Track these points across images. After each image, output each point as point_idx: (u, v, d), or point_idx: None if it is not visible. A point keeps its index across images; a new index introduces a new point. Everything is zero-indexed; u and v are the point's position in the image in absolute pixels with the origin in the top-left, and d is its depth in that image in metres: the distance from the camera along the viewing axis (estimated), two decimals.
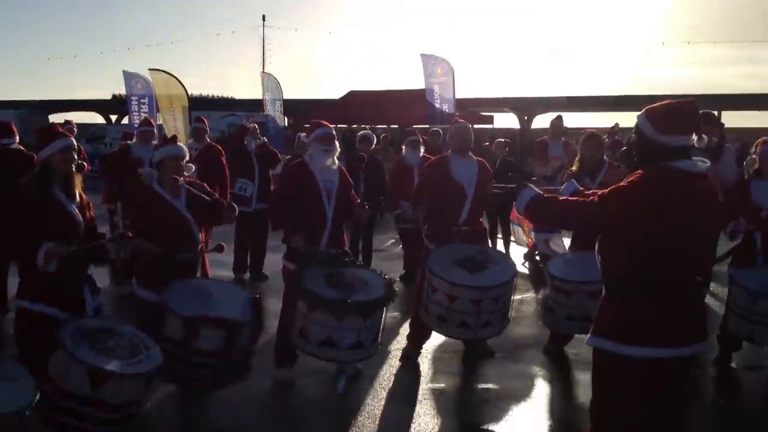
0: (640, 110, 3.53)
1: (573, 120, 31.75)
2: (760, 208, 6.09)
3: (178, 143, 5.54)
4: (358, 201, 6.03)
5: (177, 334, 4.63)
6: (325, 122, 5.90)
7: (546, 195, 3.64)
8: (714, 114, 7.14)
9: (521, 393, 5.65)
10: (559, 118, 11.22)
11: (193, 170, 5.53)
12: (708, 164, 3.41)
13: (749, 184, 6.23)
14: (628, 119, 24.95)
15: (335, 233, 5.67)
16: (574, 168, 6.61)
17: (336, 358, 5.17)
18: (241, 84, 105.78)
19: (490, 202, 6.70)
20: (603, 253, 3.46)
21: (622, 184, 3.38)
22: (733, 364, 6.22)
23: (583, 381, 5.90)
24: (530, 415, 5.24)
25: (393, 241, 12.00)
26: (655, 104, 3.48)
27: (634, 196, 3.27)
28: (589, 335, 3.49)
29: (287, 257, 5.68)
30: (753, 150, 6.38)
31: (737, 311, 5.79)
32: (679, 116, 3.39)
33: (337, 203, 5.68)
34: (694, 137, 3.40)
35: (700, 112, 7.01)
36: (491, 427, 5.05)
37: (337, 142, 5.79)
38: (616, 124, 20.39)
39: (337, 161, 5.80)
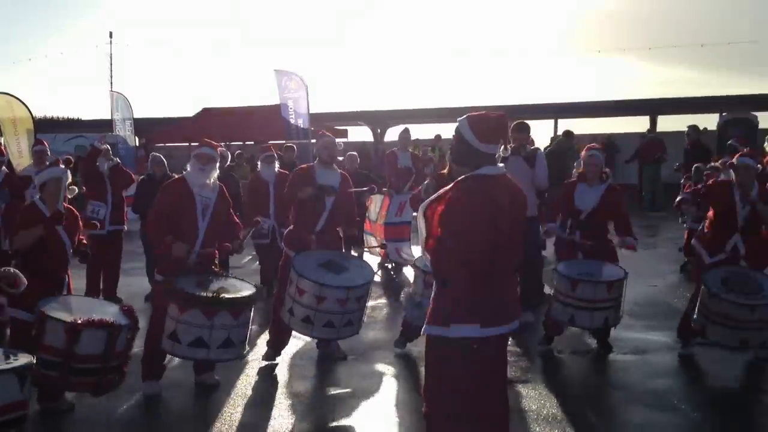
0: None
1: (425, 131, 32.85)
2: (580, 211, 6.83)
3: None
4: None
5: (58, 342, 4.81)
6: (210, 141, 6.19)
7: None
8: (527, 123, 7.94)
9: (372, 391, 6.07)
10: (406, 130, 11.82)
11: (76, 192, 5.73)
12: (502, 166, 3.87)
13: (575, 186, 6.95)
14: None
15: (205, 250, 5.91)
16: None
17: (208, 357, 5.44)
18: (89, 104, 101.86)
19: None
20: (432, 252, 3.75)
21: (451, 194, 3.71)
22: (558, 350, 6.93)
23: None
24: (381, 409, 5.66)
25: (250, 257, 12.20)
26: (476, 113, 3.87)
27: (464, 202, 3.66)
28: (424, 326, 3.84)
29: (159, 270, 5.93)
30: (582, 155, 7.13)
31: (560, 298, 6.49)
32: (495, 126, 3.81)
33: (212, 220, 5.95)
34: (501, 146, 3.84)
35: (517, 122, 7.76)
36: (344, 422, 5.43)
37: (216, 162, 6.05)
38: (437, 136, 21.47)
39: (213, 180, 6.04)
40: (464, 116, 3.87)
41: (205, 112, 25.66)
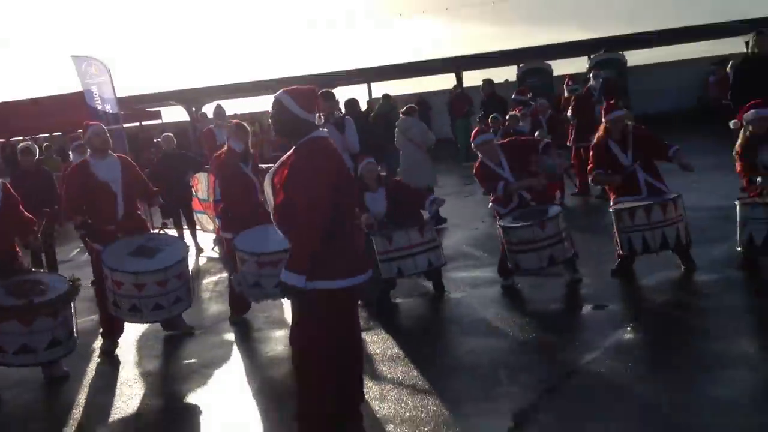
0: None
1: (240, 106, 32.52)
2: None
3: None
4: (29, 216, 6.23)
5: None
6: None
7: None
8: (333, 92, 8.28)
9: (222, 360, 6.22)
10: (219, 106, 11.81)
11: None
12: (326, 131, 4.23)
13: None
14: None
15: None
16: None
17: (37, 362, 5.34)
18: None
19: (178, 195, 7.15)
20: (283, 214, 4.00)
21: (294, 159, 4.00)
22: (397, 299, 7.37)
23: (273, 338, 6.65)
24: (233, 377, 5.83)
25: (78, 250, 11.80)
26: (290, 87, 4.18)
27: (310, 163, 3.94)
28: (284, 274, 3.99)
29: None
30: None
31: (382, 258, 6.99)
32: (312, 96, 4.18)
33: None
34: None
35: (323, 90, 8.07)
36: (198, 393, 5.55)
37: None
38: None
39: None
40: (282, 91, 4.16)
41: (2, 106, 24.03)
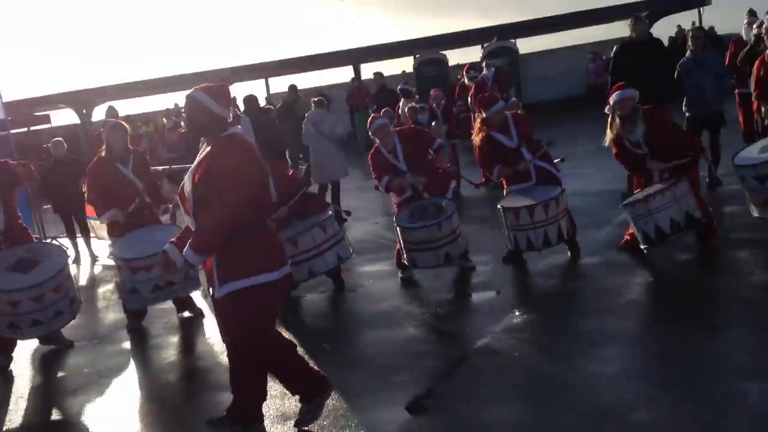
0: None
1: (133, 106, 31.67)
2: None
3: None
4: None
5: None
6: None
7: None
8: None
9: (119, 369, 6.15)
10: (111, 108, 11.55)
11: None
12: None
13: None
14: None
15: None
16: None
17: None
18: None
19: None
20: (207, 212, 4.02)
21: (214, 156, 4.03)
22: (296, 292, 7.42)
23: (171, 344, 6.62)
24: (129, 386, 5.77)
25: None
26: (203, 85, 4.25)
27: (233, 158, 4.00)
28: (219, 288, 4.11)
29: None
30: None
31: (292, 261, 6.98)
32: (227, 93, 4.25)
33: None
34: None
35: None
36: (96, 401, 5.49)
37: None
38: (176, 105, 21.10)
39: None
40: (196, 89, 4.21)
41: None
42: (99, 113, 24.93)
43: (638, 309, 5.92)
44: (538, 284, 6.83)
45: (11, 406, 5.61)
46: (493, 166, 7.34)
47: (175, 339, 6.74)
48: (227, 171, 3.97)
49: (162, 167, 11.28)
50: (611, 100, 6.98)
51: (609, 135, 6.96)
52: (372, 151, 7.59)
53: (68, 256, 6.58)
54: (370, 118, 7.80)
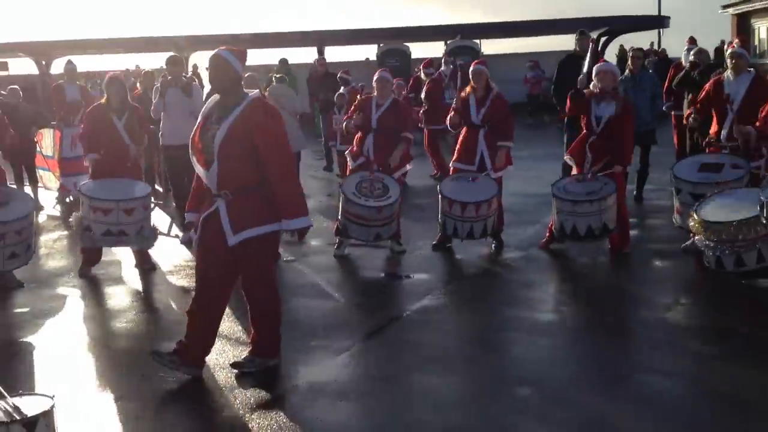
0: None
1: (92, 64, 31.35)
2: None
3: None
4: None
5: None
6: None
7: None
8: (180, 57, 8.60)
9: (55, 311, 6.42)
10: (70, 62, 11.65)
11: None
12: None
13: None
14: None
15: None
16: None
17: None
18: None
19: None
20: (233, 165, 4.49)
21: (265, 118, 4.50)
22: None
23: (107, 293, 6.91)
24: (64, 327, 6.05)
25: None
26: (230, 45, 4.69)
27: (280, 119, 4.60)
28: (233, 236, 4.52)
29: None
30: None
31: None
32: (246, 55, 4.63)
33: None
34: None
35: (170, 55, 8.39)
36: (30, 339, 5.77)
37: None
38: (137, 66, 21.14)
39: None
40: (223, 48, 4.62)
41: None
42: (58, 66, 24.74)
43: (548, 302, 6.40)
44: (460, 272, 7.30)
45: None
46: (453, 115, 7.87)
47: (112, 289, 7.02)
48: (279, 135, 4.54)
49: None
50: (594, 69, 7.38)
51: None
52: (365, 97, 8.05)
53: (35, 205, 6.86)
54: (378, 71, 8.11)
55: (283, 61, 17.61)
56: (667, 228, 7.92)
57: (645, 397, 4.41)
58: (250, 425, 4.21)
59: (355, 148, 7.84)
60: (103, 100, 7.47)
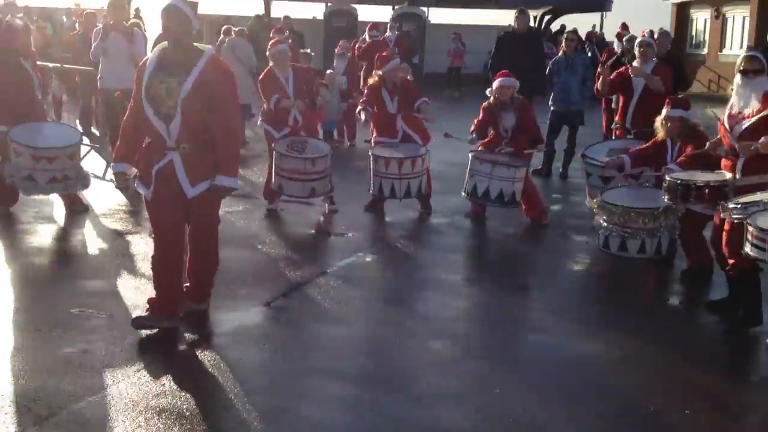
0: None
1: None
2: None
3: None
4: None
5: None
6: None
7: None
8: (124, 2, 8.60)
9: None
10: None
11: None
12: None
13: None
14: None
15: None
16: None
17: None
18: None
19: None
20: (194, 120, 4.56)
21: (223, 77, 4.66)
22: None
23: (40, 231, 6.99)
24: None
25: None
26: None
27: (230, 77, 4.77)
28: (192, 188, 4.65)
29: None
30: None
31: None
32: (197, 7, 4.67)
33: None
34: None
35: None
36: None
37: None
38: (77, 5, 20.61)
39: None
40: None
41: None
42: None
43: (465, 266, 6.80)
44: (387, 233, 7.61)
45: None
46: (366, 108, 8.07)
47: (44, 227, 7.11)
48: (232, 95, 4.69)
49: (53, 65, 11.33)
50: (493, 85, 7.78)
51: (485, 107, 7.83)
52: (265, 72, 7.91)
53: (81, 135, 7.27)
54: (271, 42, 8.19)
55: (258, 17, 17.77)
56: (586, 206, 8.37)
57: (534, 356, 4.86)
58: (176, 362, 4.46)
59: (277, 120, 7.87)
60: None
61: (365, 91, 8.40)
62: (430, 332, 5.13)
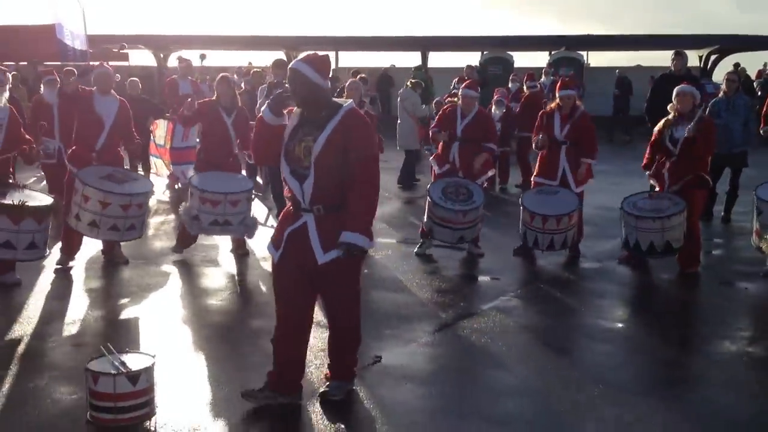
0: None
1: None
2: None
3: None
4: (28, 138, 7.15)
5: None
6: None
7: None
8: (284, 60, 9.08)
9: (159, 286, 7.11)
10: (182, 59, 12.50)
11: None
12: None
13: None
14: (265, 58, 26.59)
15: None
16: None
17: (15, 258, 6.45)
18: None
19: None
20: (328, 179, 4.21)
21: (359, 131, 4.21)
22: None
23: (206, 273, 7.54)
24: (167, 300, 6.70)
25: (35, 178, 12.47)
26: (309, 53, 4.29)
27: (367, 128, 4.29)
28: (324, 254, 4.23)
29: None
30: None
31: None
32: (329, 64, 4.34)
33: (5, 139, 6.80)
34: None
35: (276, 59, 8.86)
36: (135, 308, 6.44)
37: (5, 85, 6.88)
38: (250, 63, 22.17)
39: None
40: (298, 60, 4.27)
41: None
42: (174, 59, 26.13)
43: (614, 312, 6.61)
44: (535, 277, 7.57)
45: (68, 301, 6.61)
46: (537, 133, 8.16)
47: (210, 270, 7.65)
48: (368, 143, 4.24)
49: None
50: (675, 91, 7.55)
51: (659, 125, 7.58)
52: (449, 107, 8.58)
53: (153, 185, 7.69)
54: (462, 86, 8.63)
55: (418, 68, 18.50)
56: (751, 249, 7.94)
57: (695, 408, 4.64)
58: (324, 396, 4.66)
59: (440, 155, 8.24)
60: (214, 97, 8.05)
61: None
62: (576, 377, 5.05)
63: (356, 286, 4.52)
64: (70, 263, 7.54)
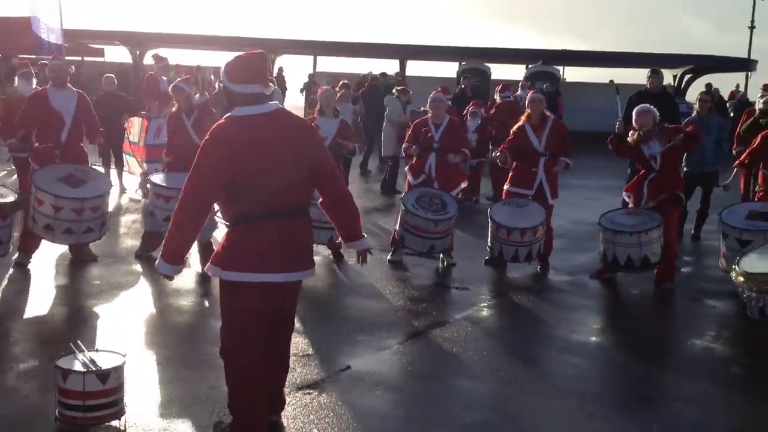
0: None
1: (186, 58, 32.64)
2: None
3: None
4: None
5: None
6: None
7: None
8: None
9: (128, 285, 7.03)
10: (159, 57, 12.40)
11: None
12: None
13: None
14: None
15: None
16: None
17: None
18: None
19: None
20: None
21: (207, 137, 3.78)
22: None
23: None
24: (135, 299, 6.64)
25: (5, 172, 12.29)
26: (232, 59, 3.88)
27: (209, 144, 3.73)
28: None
29: None
30: None
31: None
32: (249, 66, 3.80)
33: None
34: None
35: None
36: (102, 306, 6.37)
37: None
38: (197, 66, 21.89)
39: None
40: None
41: None
42: (150, 57, 25.93)
43: (584, 325, 6.64)
44: (507, 289, 7.57)
45: (29, 297, 6.53)
46: (508, 150, 8.02)
47: (185, 270, 7.49)
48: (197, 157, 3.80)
49: None
50: (634, 112, 7.66)
51: (630, 138, 7.58)
52: (420, 120, 8.60)
53: (111, 185, 7.49)
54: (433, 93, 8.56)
55: (383, 74, 18.78)
56: (718, 269, 8.04)
57: (665, 421, 4.67)
58: (292, 402, 4.62)
59: (415, 166, 8.21)
60: (173, 108, 7.88)
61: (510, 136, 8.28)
62: (544, 388, 5.07)
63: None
64: (29, 261, 7.39)
